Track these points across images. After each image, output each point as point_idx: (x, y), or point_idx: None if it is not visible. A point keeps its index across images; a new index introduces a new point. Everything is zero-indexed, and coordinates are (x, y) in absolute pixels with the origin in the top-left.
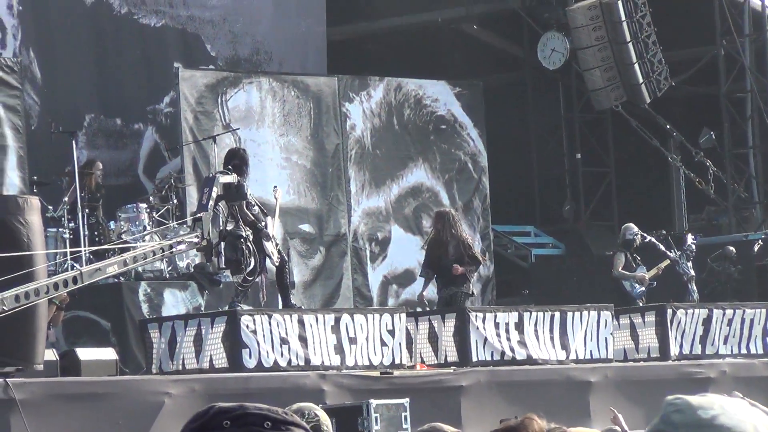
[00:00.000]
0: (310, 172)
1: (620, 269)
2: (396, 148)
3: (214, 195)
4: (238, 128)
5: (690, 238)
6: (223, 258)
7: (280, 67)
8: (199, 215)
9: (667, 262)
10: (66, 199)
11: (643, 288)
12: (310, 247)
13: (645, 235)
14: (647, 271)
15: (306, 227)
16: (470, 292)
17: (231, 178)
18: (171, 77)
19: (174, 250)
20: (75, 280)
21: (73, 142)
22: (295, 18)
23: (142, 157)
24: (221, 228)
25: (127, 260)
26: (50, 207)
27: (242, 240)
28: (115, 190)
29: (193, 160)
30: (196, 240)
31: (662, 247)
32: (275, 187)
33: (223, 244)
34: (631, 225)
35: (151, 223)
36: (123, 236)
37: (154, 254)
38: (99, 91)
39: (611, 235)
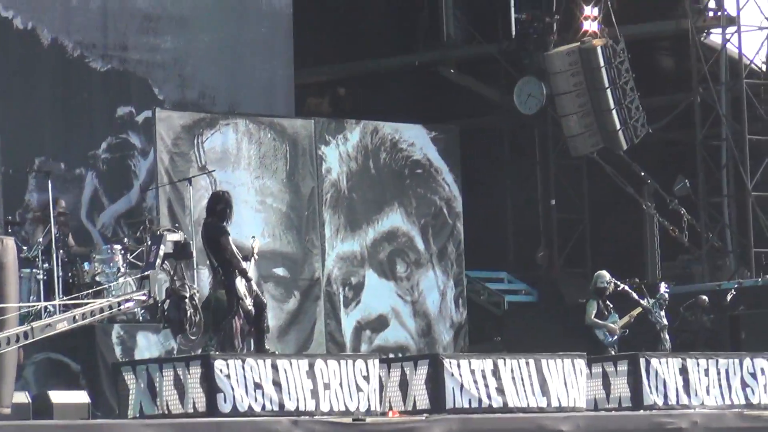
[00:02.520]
0: (286, 216)
1: (593, 317)
2: (372, 192)
3: (161, 253)
4: (214, 170)
5: (663, 287)
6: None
7: (234, 110)
8: (146, 273)
9: (639, 309)
10: (41, 239)
11: (616, 337)
12: (284, 291)
13: (618, 282)
14: (619, 319)
15: (280, 271)
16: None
17: (178, 236)
18: (112, 121)
19: (122, 307)
20: (26, 335)
21: (49, 182)
22: (257, 61)
23: (84, 202)
24: (168, 286)
25: (77, 317)
26: (24, 247)
27: (186, 300)
28: None
29: (168, 202)
30: (143, 298)
31: (635, 296)
32: (253, 237)
33: (167, 303)
34: (604, 273)
35: (125, 264)
36: (97, 278)
37: (102, 311)
38: (49, 134)
39: (585, 283)
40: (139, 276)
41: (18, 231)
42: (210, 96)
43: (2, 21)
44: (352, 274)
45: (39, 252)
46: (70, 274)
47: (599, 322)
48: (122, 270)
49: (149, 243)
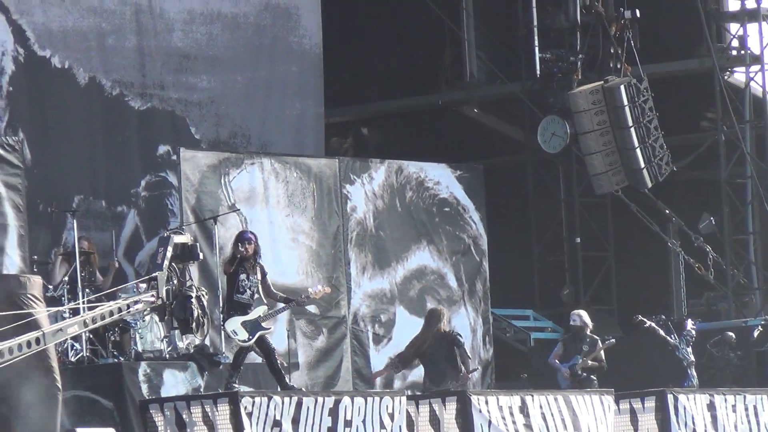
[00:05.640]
0: (315, 254)
1: (552, 358)
2: (400, 230)
3: (168, 254)
4: (239, 209)
5: (689, 324)
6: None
7: (263, 150)
8: (154, 275)
9: (595, 352)
10: (66, 278)
11: (568, 381)
12: (314, 328)
13: (645, 319)
14: (580, 361)
15: (311, 308)
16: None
17: (185, 238)
18: (151, 160)
19: (131, 309)
20: (38, 341)
21: (74, 221)
22: (286, 100)
23: (123, 240)
24: (173, 287)
25: (87, 321)
26: (50, 287)
27: (192, 299)
28: None
29: (194, 240)
30: (152, 299)
31: (662, 332)
32: (322, 287)
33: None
34: (575, 311)
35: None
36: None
37: (112, 314)
38: (88, 172)
39: (610, 320)
40: (147, 277)
41: (47, 269)
42: (243, 135)
43: (39, 60)
44: (382, 312)
45: (65, 291)
46: None
47: (555, 364)
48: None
49: (157, 245)
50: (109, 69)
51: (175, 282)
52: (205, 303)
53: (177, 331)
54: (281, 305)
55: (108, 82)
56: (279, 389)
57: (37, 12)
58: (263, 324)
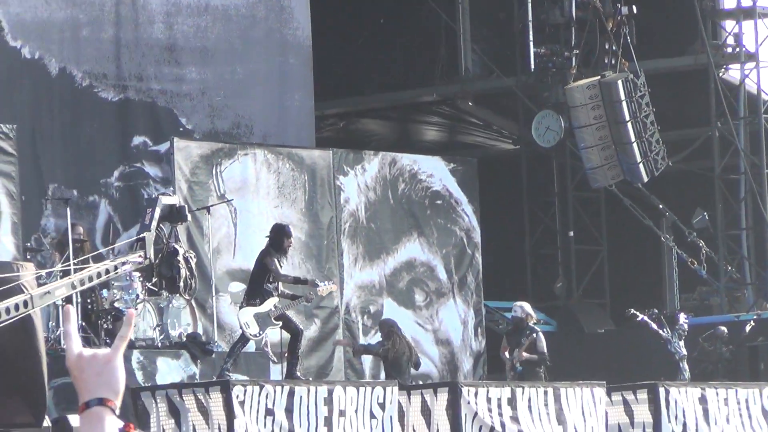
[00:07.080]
0: (305, 245)
1: (501, 352)
2: (390, 222)
3: (156, 216)
4: (232, 199)
5: (682, 318)
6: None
7: (264, 141)
8: (142, 236)
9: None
10: (59, 265)
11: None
12: (305, 318)
13: (637, 313)
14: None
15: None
16: None
17: (173, 199)
18: (126, 151)
19: (119, 270)
20: (26, 304)
21: (68, 209)
22: (283, 92)
23: (98, 228)
24: (161, 247)
25: (75, 282)
26: (42, 273)
27: (179, 258)
28: None
29: (187, 230)
30: (139, 260)
31: (654, 326)
32: (327, 282)
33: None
34: (519, 302)
35: (144, 291)
36: (116, 304)
37: (99, 275)
38: (60, 162)
39: (603, 313)
40: (135, 238)
41: (34, 257)
42: (246, 126)
43: (11, 50)
44: (371, 303)
45: (57, 278)
46: (89, 300)
47: (503, 357)
48: (141, 296)
49: (145, 206)
50: (81, 60)
51: (163, 241)
52: (193, 265)
53: (169, 321)
54: (288, 301)
55: (79, 73)
56: (286, 374)
57: (13, 2)
58: (273, 319)
